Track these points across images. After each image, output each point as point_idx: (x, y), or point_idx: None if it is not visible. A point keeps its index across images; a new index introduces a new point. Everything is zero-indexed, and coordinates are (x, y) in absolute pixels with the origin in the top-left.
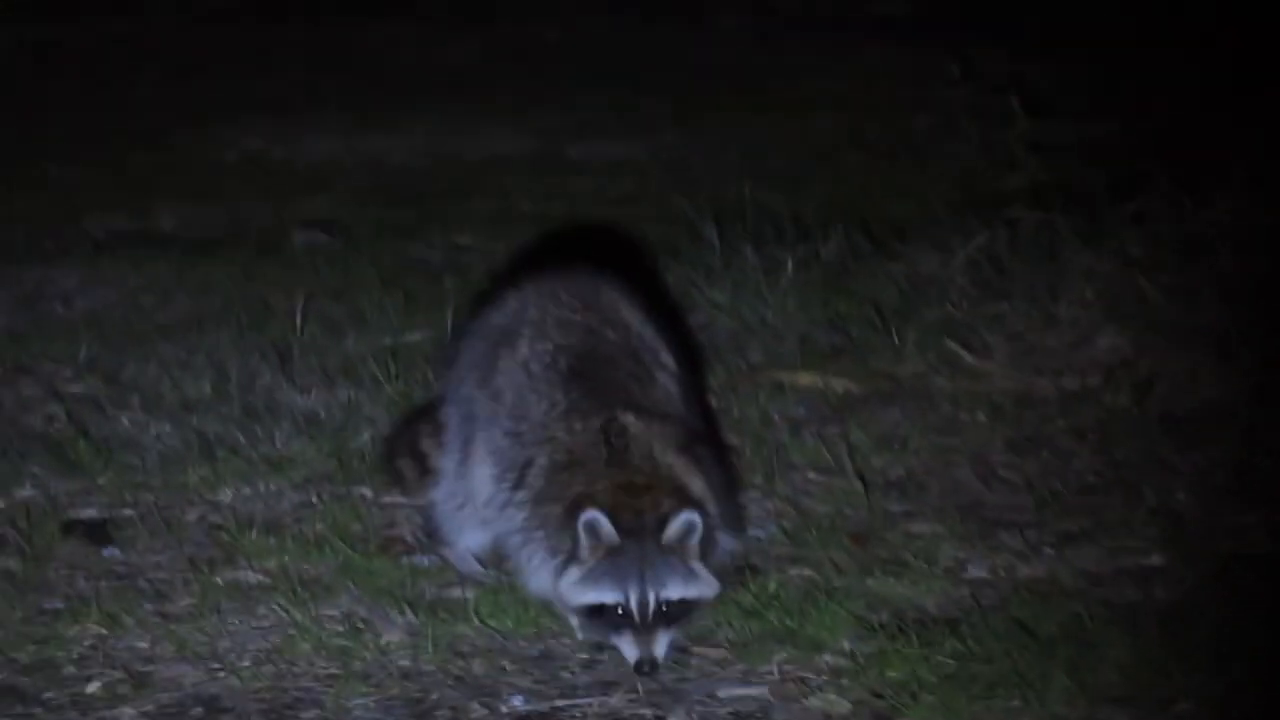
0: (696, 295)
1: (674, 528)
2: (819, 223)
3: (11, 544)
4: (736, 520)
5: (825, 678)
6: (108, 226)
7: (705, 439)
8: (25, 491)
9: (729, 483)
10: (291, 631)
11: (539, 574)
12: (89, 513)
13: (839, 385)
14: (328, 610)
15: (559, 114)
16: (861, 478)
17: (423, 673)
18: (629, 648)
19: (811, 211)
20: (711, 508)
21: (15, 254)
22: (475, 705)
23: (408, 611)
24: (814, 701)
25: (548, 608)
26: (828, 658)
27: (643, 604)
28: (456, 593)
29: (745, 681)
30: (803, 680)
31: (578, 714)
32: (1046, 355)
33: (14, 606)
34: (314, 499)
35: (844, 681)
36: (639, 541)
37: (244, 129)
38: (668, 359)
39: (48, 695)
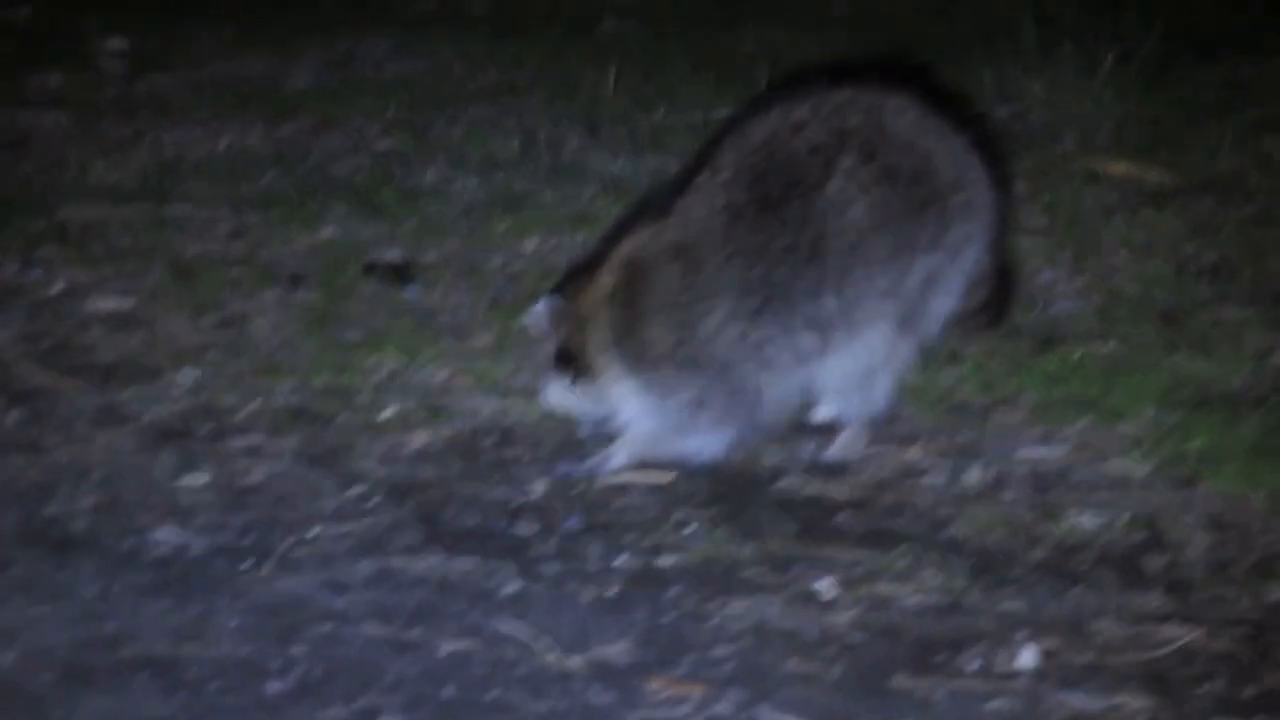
0: (1012, 85)
1: (534, 312)
2: (1138, 28)
3: (313, 279)
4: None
5: (1126, 444)
6: (418, 8)
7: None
8: (328, 232)
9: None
10: None
11: None
12: (391, 255)
13: (1153, 176)
14: None
15: None
16: (1173, 261)
17: None
18: None
19: (1131, 18)
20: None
21: (326, 22)
22: (768, 449)
23: None
24: (1113, 465)
25: None
26: (1128, 426)
27: None
28: None
29: (1045, 442)
30: (1102, 445)
31: (872, 464)
32: None
33: (312, 335)
34: None
35: (1144, 448)
36: None
37: None
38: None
39: (341, 418)
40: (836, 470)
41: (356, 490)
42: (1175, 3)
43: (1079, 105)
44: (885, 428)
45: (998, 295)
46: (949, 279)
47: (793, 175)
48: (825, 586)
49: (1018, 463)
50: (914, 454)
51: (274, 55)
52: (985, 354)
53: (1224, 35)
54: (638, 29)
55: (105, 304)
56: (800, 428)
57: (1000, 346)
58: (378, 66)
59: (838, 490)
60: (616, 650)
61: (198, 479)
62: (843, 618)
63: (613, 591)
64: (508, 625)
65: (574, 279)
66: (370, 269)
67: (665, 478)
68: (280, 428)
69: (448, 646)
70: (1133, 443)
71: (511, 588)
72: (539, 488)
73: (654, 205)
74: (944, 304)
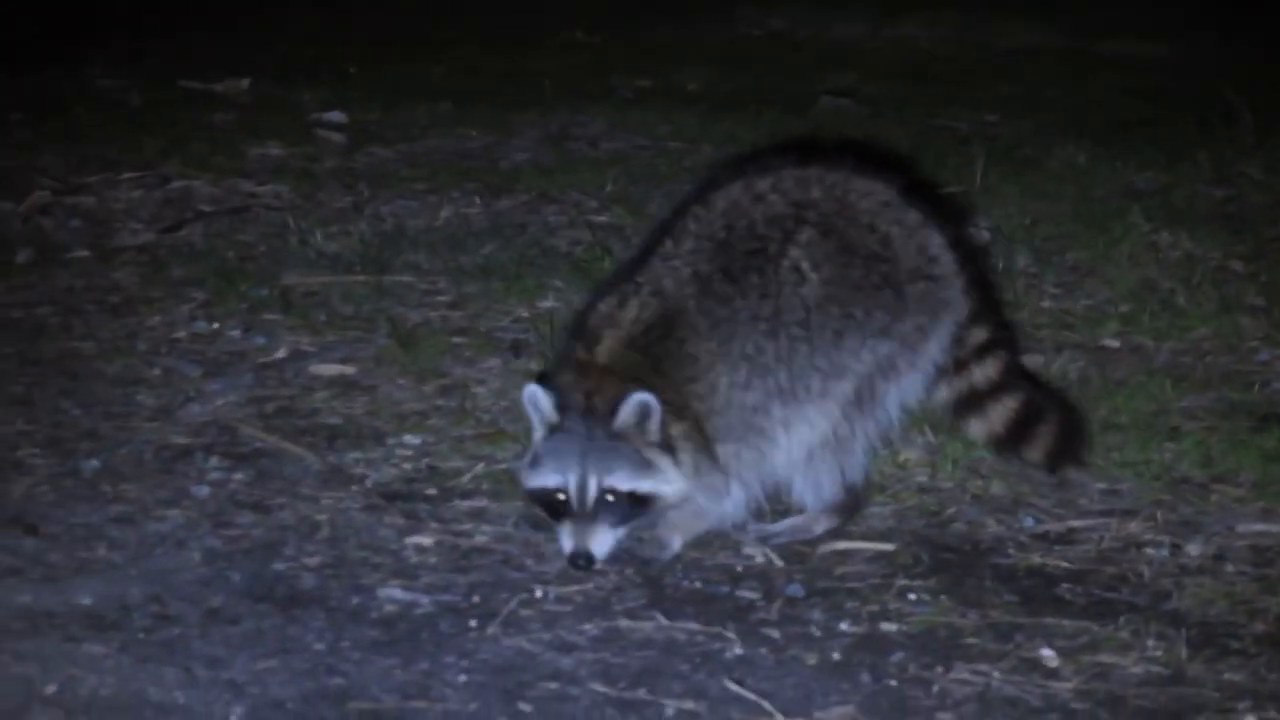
0: (1228, 168)
1: (625, 411)
2: None
3: (534, 347)
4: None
5: None
6: (633, 85)
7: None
8: (549, 303)
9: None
10: None
11: None
12: None
13: None
14: None
15: (1085, 12)
16: None
17: (940, 489)
18: (565, 538)
19: None
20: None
21: (543, 101)
22: (990, 521)
23: (928, 432)
24: None
25: None
26: None
27: (581, 490)
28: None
29: (1265, 518)
30: None
31: (1094, 536)
32: None
33: None
34: None
35: None
36: (586, 424)
37: (770, 10)
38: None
39: None
40: (1058, 541)
41: None
42: None
43: None
44: (1105, 500)
45: (1061, 435)
46: (902, 370)
47: (752, 245)
48: (1048, 655)
49: (1238, 537)
50: (1135, 527)
51: (491, 131)
52: (1205, 430)
53: None
54: (853, 109)
55: (329, 369)
56: (1018, 501)
57: (1219, 424)
58: (593, 143)
59: (1059, 562)
60: (840, 714)
61: (423, 540)
62: (1066, 686)
63: (836, 656)
64: (733, 687)
65: (580, 374)
66: None
67: (887, 546)
68: (504, 492)
69: (674, 706)
70: None
71: (735, 651)
72: (760, 554)
73: (619, 281)
74: (897, 395)
